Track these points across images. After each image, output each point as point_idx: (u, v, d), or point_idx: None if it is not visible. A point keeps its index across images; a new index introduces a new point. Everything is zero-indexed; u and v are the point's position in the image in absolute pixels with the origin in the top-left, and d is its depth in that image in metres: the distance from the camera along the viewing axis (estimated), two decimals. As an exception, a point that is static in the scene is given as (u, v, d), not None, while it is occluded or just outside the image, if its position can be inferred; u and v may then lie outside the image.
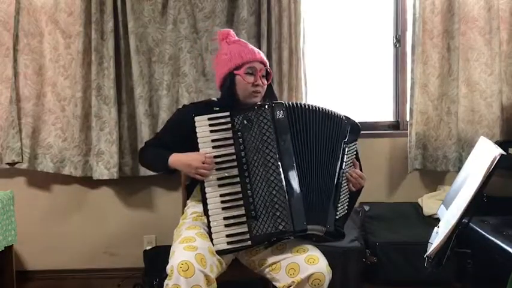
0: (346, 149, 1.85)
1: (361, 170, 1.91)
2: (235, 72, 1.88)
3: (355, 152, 1.90)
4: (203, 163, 1.73)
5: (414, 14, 2.84)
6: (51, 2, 2.72)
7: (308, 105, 1.84)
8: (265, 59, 1.94)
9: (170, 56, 2.74)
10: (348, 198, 1.86)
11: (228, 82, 1.89)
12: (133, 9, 2.69)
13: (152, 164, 2.01)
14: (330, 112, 1.86)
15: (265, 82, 1.92)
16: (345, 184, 1.84)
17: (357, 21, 3.09)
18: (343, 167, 1.83)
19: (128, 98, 2.78)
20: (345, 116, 1.90)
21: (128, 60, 2.74)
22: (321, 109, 1.85)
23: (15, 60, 2.69)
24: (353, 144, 1.89)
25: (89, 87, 2.72)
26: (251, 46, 1.94)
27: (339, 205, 1.81)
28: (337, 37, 3.08)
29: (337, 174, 1.81)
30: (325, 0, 3.05)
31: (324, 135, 1.82)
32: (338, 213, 1.80)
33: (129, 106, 2.79)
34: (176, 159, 1.83)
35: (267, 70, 1.93)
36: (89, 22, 2.67)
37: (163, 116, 2.73)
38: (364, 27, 3.09)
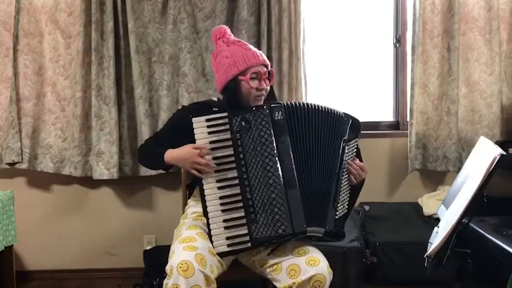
0: (346, 148, 1.82)
1: None
2: (240, 78, 1.83)
3: (355, 150, 1.87)
4: (200, 156, 1.72)
5: (414, 14, 2.84)
6: (51, 2, 2.72)
7: (307, 104, 1.82)
8: (267, 60, 1.89)
9: (170, 56, 2.74)
10: (348, 197, 1.83)
11: (233, 88, 1.84)
12: (133, 9, 2.69)
13: (149, 161, 1.99)
14: (328, 110, 1.82)
15: (268, 83, 1.89)
16: (345, 183, 1.82)
17: (357, 21, 3.09)
18: (343, 166, 1.80)
19: (128, 98, 2.78)
20: (344, 113, 1.86)
21: (128, 60, 2.74)
22: (319, 108, 1.82)
23: (15, 60, 2.69)
24: (353, 141, 1.86)
25: (89, 87, 2.72)
26: (252, 47, 1.88)
27: (339, 205, 1.78)
28: (337, 37, 3.08)
29: (336, 173, 1.78)
30: (325, 0, 3.06)
31: (323, 135, 1.79)
32: (338, 213, 1.78)
33: (129, 106, 2.79)
34: (171, 155, 1.81)
35: (268, 71, 1.89)
36: (89, 22, 2.67)
37: (164, 116, 2.73)
38: (364, 27, 3.09)
